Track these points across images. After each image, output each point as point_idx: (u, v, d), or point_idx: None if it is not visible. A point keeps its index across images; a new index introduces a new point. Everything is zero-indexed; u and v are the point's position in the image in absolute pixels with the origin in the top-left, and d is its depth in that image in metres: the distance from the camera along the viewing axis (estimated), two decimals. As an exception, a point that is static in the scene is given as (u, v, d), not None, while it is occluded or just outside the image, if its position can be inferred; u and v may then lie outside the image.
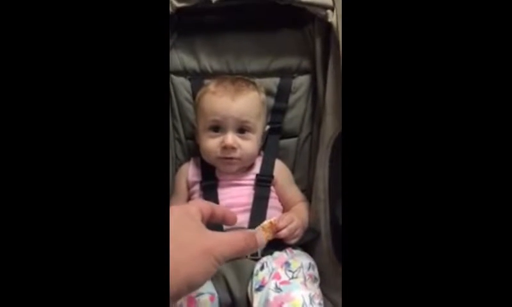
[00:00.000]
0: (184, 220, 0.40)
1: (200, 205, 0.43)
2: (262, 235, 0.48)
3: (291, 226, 0.61)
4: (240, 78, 0.72)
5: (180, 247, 0.36)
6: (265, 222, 0.59)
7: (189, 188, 0.73)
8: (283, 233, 0.60)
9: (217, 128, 0.68)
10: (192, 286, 0.37)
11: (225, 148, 0.66)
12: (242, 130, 0.68)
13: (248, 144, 0.68)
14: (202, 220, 0.41)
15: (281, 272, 0.55)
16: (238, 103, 0.66)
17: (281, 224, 0.60)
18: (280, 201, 0.72)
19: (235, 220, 0.47)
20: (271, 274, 0.55)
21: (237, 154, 0.67)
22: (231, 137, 0.66)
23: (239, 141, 0.67)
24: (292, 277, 0.54)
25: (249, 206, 0.68)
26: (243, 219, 0.66)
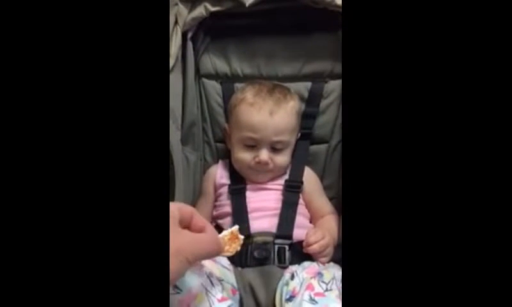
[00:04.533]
0: None
1: (179, 206, 0.42)
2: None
3: (322, 242, 0.60)
4: (278, 85, 0.71)
5: None
6: (225, 232, 0.49)
7: (216, 190, 0.73)
8: (314, 248, 0.59)
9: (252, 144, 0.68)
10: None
11: (259, 163, 0.67)
12: (277, 146, 0.67)
13: (282, 158, 0.68)
14: (180, 222, 0.41)
15: (314, 282, 0.52)
16: (275, 120, 0.66)
17: (311, 240, 0.60)
18: (307, 208, 0.70)
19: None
20: (302, 284, 0.54)
21: (269, 167, 0.68)
22: (266, 154, 0.67)
23: (273, 156, 0.67)
24: (327, 290, 0.52)
25: (278, 211, 0.67)
26: (272, 223, 0.65)
